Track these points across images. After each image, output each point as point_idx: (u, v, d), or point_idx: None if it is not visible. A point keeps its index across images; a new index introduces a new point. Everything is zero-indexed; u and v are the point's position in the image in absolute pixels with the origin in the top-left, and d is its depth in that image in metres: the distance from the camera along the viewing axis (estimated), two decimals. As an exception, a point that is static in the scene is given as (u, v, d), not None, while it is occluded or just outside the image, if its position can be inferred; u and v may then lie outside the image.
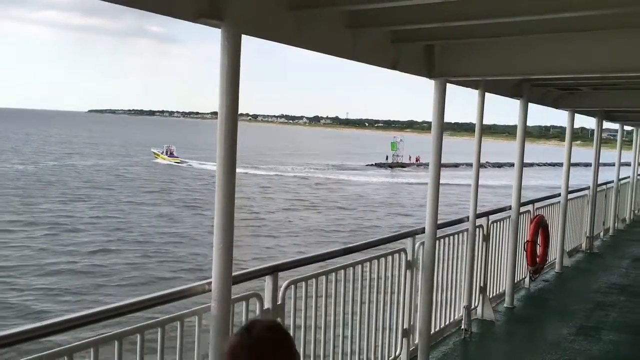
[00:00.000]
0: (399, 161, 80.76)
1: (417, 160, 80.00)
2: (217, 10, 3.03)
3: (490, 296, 7.38)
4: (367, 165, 79.76)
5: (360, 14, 4.08)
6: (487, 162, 75.93)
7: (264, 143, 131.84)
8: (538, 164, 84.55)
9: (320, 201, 44.16)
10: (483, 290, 7.13)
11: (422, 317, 5.61)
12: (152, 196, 42.33)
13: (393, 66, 4.89)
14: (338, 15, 4.06)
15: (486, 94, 6.57)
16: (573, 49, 4.96)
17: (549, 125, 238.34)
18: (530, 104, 7.64)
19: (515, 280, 7.94)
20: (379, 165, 79.08)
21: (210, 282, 3.26)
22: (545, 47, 5.06)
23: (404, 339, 5.54)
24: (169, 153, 71.98)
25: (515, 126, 7.83)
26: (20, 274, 21.06)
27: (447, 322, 6.41)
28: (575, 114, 9.87)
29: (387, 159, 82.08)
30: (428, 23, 4.12)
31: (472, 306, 6.80)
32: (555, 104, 8.96)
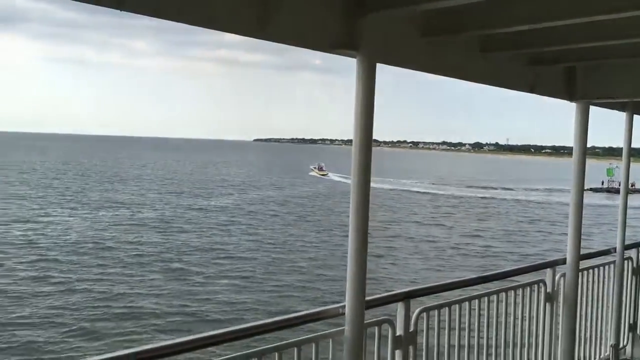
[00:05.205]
0: (615, 186, 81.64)
1: (632, 186, 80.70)
2: (353, 41, 3.12)
3: None
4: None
5: (496, 37, 3.94)
6: None
7: (466, 170, 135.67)
8: None
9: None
10: (633, 328, 6.53)
11: (564, 355, 5.26)
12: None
13: (530, 89, 4.72)
14: (472, 39, 3.98)
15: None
16: None
17: None
18: None
19: None
20: (595, 190, 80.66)
21: (344, 306, 3.32)
22: None
23: None
24: (319, 168, 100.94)
25: None
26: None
27: None
28: None
29: (602, 184, 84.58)
30: (569, 44, 3.93)
31: (621, 345, 6.29)
32: None
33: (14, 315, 19.02)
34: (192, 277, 24.66)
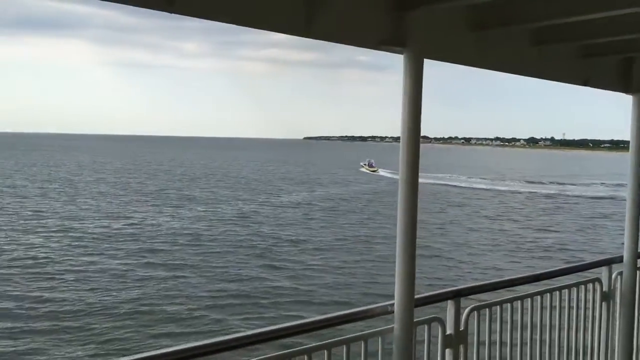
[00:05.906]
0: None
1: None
2: (400, 37, 3.10)
3: None
4: None
5: (547, 29, 3.81)
6: None
7: (525, 165, 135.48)
8: None
9: None
10: None
11: (621, 357, 5.07)
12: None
13: (584, 82, 4.57)
14: (523, 32, 3.85)
15: None
16: None
17: None
18: None
19: None
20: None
21: (393, 304, 3.34)
22: None
23: None
24: (369, 164, 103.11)
25: None
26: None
27: None
28: None
29: None
30: (624, 35, 3.80)
31: None
32: None
33: (146, 293, 21.23)
34: (291, 265, 26.35)
